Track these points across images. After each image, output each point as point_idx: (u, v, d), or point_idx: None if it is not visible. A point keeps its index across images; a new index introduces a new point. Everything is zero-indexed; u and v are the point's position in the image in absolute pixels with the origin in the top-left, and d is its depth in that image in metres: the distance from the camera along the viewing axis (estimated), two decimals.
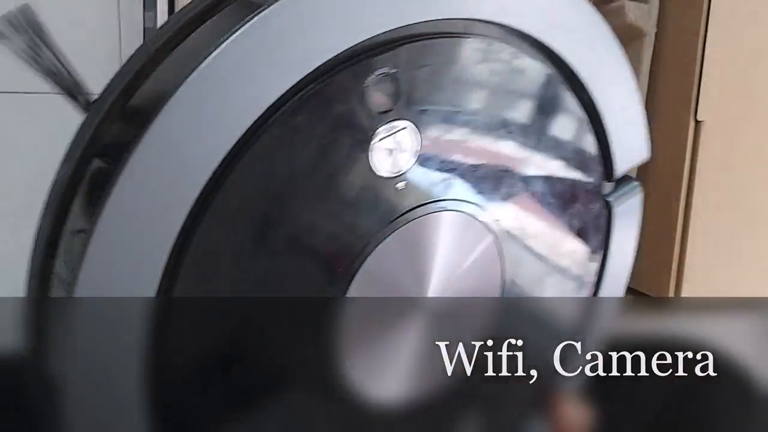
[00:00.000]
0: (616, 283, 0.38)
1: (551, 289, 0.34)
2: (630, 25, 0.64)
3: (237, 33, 0.22)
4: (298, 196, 0.25)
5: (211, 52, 0.21)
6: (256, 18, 0.22)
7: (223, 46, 0.22)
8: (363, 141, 0.25)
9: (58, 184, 0.25)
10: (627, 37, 0.66)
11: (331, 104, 0.24)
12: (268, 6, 0.22)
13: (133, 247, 0.22)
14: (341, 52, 0.23)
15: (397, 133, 0.26)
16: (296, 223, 0.25)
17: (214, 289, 0.24)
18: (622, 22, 0.64)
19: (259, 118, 0.23)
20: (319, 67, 0.23)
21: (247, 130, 0.23)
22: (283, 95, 0.23)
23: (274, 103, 0.23)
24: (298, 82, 0.23)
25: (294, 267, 0.26)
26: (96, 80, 0.68)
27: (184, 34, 0.25)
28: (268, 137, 0.23)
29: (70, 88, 0.27)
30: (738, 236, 0.64)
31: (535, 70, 0.30)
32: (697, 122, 0.61)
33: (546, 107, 0.31)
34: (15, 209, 0.68)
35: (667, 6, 0.64)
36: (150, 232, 0.22)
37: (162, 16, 0.56)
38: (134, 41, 0.64)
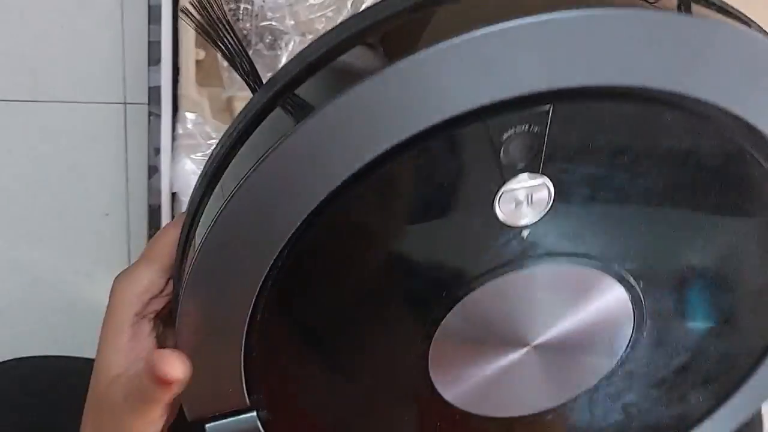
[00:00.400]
0: None
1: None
2: None
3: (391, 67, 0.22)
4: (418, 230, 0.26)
5: (363, 80, 0.22)
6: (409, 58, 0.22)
7: (375, 76, 0.22)
8: (490, 191, 0.25)
9: (215, 157, 0.26)
10: None
11: (461, 151, 0.24)
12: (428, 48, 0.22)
13: (255, 227, 0.24)
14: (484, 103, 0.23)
15: (532, 188, 0.25)
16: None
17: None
18: None
19: (390, 150, 0.23)
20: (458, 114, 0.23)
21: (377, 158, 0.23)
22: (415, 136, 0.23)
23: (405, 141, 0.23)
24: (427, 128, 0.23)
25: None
26: (101, 90, 0.69)
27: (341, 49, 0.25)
28: (389, 172, 0.24)
29: (246, 69, 0.28)
30: None
31: (715, 145, 0.26)
32: None
33: (727, 185, 0.28)
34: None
35: None
36: (271, 219, 0.24)
37: (166, 29, 0.57)
38: (138, 53, 0.66)
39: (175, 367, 0.25)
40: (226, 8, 0.60)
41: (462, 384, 0.30)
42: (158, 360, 0.25)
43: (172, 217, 0.58)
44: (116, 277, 0.30)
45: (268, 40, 0.61)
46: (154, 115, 0.51)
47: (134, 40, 0.68)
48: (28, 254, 0.70)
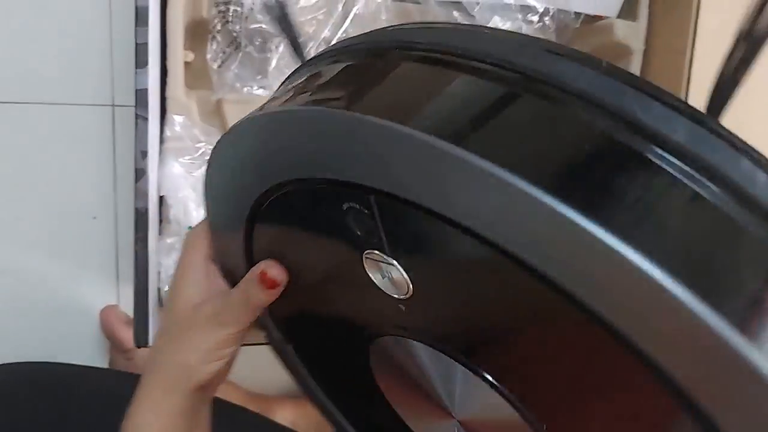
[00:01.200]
0: None
1: None
2: (618, 42, 0.64)
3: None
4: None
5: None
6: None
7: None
8: (356, 253, 0.26)
9: None
10: (615, 54, 0.66)
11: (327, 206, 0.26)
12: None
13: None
14: None
15: (389, 266, 0.25)
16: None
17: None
18: (610, 40, 0.65)
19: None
20: None
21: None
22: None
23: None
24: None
25: None
26: (88, 91, 0.68)
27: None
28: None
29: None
30: None
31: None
32: None
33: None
34: None
35: (654, 24, 0.64)
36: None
37: (154, 31, 0.56)
38: (127, 55, 0.65)
39: (280, 272, 0.30)
40: (215, 10, 0.60)
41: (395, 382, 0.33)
42: (267, 266, 0.30)
43: (160, 221, 0.57)
44: (191, 228, 0.36)
45: (257, 43, 0.61)
46: (141, 118, 0.50)
47: (122, 42, 0.67)
48: (15, 257, 0.69)
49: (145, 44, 0.47)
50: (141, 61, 0.49)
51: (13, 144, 0.68)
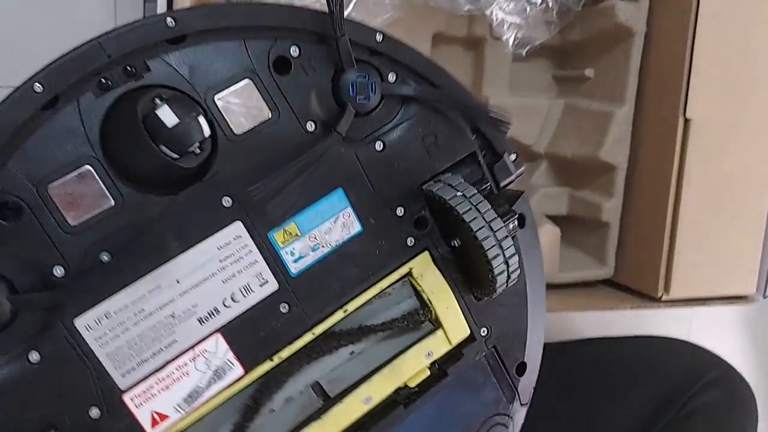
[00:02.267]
0: None
1: None
2: (620, 24, 0.65)
3: None
4: None
5: None
6: None
7: None
8: None
9: None
10: (617, 36, 0.67)
11: None
12: None
13: None
14: None
15: None
16: None
17: None
18: (612, 22, 0.65)
19: None
20: None
21: None
22: None
23: None
24: None
25: None
26: None
27: None
28: None
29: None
30: (724, 234, 0.64)
31: None
32: (686, 120, 0.62)
33: None
34: None
35: (656, 5, 0.65)
36: None
37: (162, 7, 0.56)
38: None
39: None
40: None
41: None
42: None
43: None
44: None
45: None
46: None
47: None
48: None
49: None
50: None
51: None
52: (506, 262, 0.38)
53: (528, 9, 0.61)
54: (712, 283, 0.65)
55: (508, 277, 0.39)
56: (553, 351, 0.50)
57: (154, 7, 0.48)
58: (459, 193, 0.38)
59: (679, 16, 0.62)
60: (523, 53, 0.64)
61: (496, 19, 0.60)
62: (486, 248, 0.37)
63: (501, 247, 0.37)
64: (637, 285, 0.68)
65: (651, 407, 0.62)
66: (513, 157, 0.43)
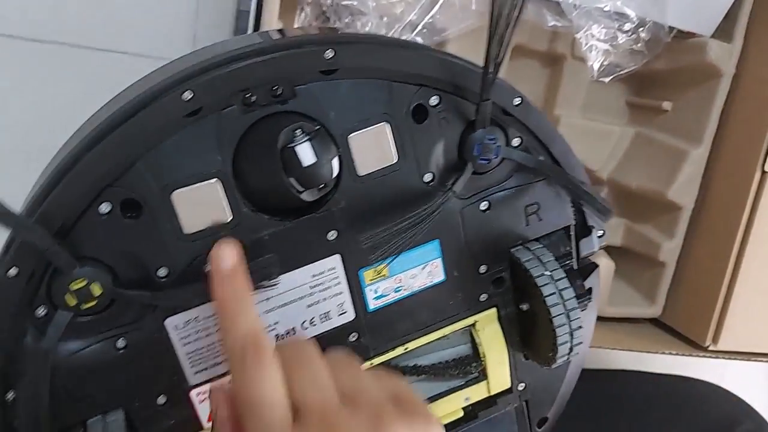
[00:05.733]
0: None
1: None
2: (709, 63, 0.63)
3: None
4: None
5: None
6: None
7: None
8: None
9: None
10: (703, 74, 0.65)
11: None
12: None
13: None
14: None
15: None
16: None
17: None
18: (701, 59, 0.63)
19: None
20: None
21: None
22: None
23: None
24: None
25: None
26: (170, 46, 0.68)
27: None
28: None
29: None
30: None
31: None
32: (764, 172, 0.60)
33: None
34: None
35: (749, 49, 0.63)
36: None
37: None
38: (212, 11, 0.65)
39: None
40: None
41: None
42: None
43: None
44: None
45: (346, 20, 0.60)
46: None
47: (208, 5, 0.67)
48: None
49: (247, 12, 0.47)
50: (240, 28, 0.48)
51: (92, 91, 0.68)
52: (571, 348, 0.39)
53: (619, 37, 0.60)
54: (762, 340, 0.64)
55: (567, 359, 0.40)
56: (585, 377, 0.50)
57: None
58: (547, 273, 0.38)
59: None
60: (607, 80, 0.62)
61: (586, 44, 0.59)
62: (559, 334, 0.38)
63: (572, 336, 0.38)
64: (685, 330, 0.67)
65: None
66: (600, 233, 0.43)
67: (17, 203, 0.31)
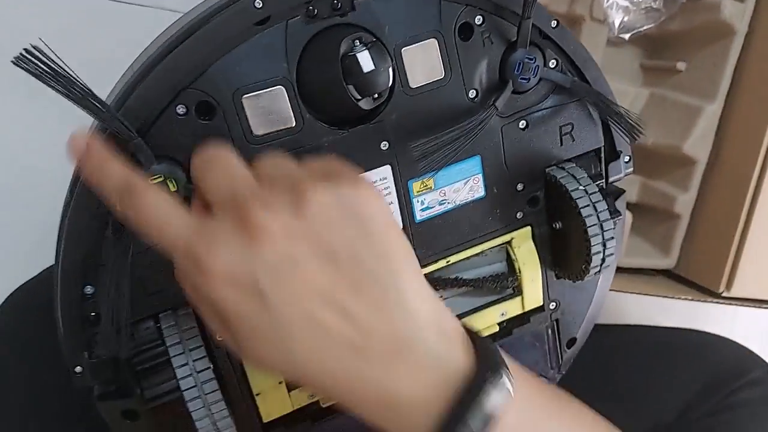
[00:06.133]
0: None
1: None
2: (723, 21, 0.65)
3: None
4: None
5: None
6: None
7: None
8: None
9: None
10: (717, 33, 0.67)
11: None
12: None
13: None
14: None
15: None
16: None
17: None
18: (715, 18, 0.66)
19: None
20: None
21: None
22: None
23: None
24: None
25: None
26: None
27: None
28: None
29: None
30: None
31: None
32: None
33: None
34: None
35: (762, 8, 0.65)
36: None
37: None
38: None
39: None
40: None
41: None
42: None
43: None
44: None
45: None
46: None
47: None
48: None
49: None
50: None
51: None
52: (603, 259, 0.42)
53: None
54: None
55: (599, 271, 0.42)
56: (599, 331, 0.52)
57: None
58: (581, 187, 0.41)
59: None
60: (626, 37, 0.65)
61: (607, 1, 0.61)
62: (593, 244, 0.40)
63: (605, 246, 0.41)
64: (699, 279, 0.69)
65: (697, 388, 0.64)
66: (627, 158, 0.46)
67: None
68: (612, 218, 0.41)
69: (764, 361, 0.69)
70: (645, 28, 0.65)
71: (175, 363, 0.34)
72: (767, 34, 0.65)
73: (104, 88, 0.35)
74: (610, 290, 0.62)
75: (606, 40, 0.71)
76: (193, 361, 0.34)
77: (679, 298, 0.67)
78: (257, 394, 0.40)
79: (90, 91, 0.30)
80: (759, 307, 0.67)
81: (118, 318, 0.34)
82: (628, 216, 0.69)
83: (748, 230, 0.64)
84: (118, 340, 0.34)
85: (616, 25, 0.63)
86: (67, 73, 0.30)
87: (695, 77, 0.70)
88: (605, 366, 0.70)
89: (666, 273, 0.74)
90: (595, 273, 0.42)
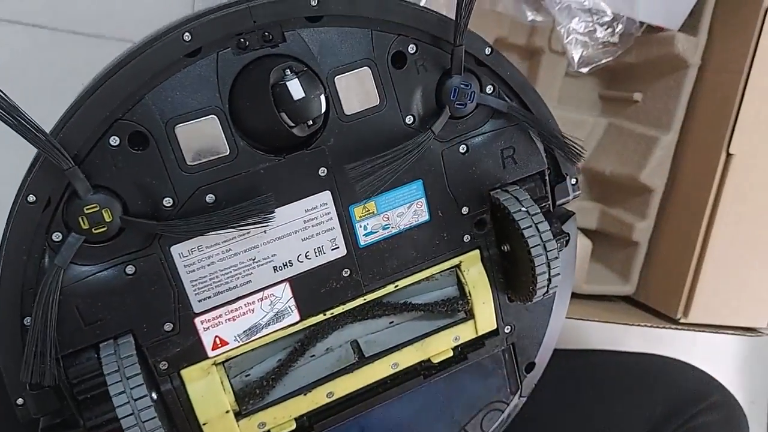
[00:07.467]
0: None
1: None
2: (677, 55, 0.67)
3: None
4: None
5: None
6: None
7: None
8: None
9: None
10: (671, 65, 0.69)
11: None
12: None
13: None
14: None
15: None
16: None
17: None
18: (668, 52, 0.68)
19: None
20: None
21: None
22: None
23: None
24: None
25: None
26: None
27: None
28: None
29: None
30: (748, 268, 0.67)
31: None
32: (729, 155, 0.64)
33: None
34: None
35: (714, 42, 0.68)
36: None
37: None
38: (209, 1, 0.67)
39: None
40: None
41: None
42: None
43: None
44: None
45: None
46: None
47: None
48: None
49: None
50: None
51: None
52: (549, 279, 0.42)
53: (597, 30, 0.64)
54: (729, 313, 0.68)
55: (546, 292, 0.43)
56: (561, 356, 0.52)
57: None
58: (524, 209, 0.42)
59: (735, 55, 0.65)
60: (585, 71, 0.66)
61: (566, 36, 0.63)
62: (536, 264, 0.41)
63: (549, 266, 0.41)
64: (657, 305, 0.70)
65: (659, 413, 0.64)
66: (574, 181, 0.47)
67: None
68: (556, 239, 0.41)
69: (722, 386, 0.70)
70: (603, 62, 0.66)
71: (112, 391, 0.34)
72: (719, 66, 0.67)
73: (53, 117, 0.35)
74: (573, 318, 0.62)
75: (565, 72, 0.73)
76: (131, 389, 0.34)
77: (638, 325, 0.68)
78: (204, 424, 0.40)
79: (27, 117, 0.31)
80: (716, 332, 0.69)
81: (42, 347, 0.34)
82: (588, 243, 0.70)
83: (704, 257, 0.66)
84: (41, 368, 0.34)
85: (575, 59, 0.65)
86: (5, 99, 0.30)
87: (651, 108, 0.72)
88: (568, 391, 0.70)
89: (626, 299, 0.75)
90: (543, 294, 0.42)
